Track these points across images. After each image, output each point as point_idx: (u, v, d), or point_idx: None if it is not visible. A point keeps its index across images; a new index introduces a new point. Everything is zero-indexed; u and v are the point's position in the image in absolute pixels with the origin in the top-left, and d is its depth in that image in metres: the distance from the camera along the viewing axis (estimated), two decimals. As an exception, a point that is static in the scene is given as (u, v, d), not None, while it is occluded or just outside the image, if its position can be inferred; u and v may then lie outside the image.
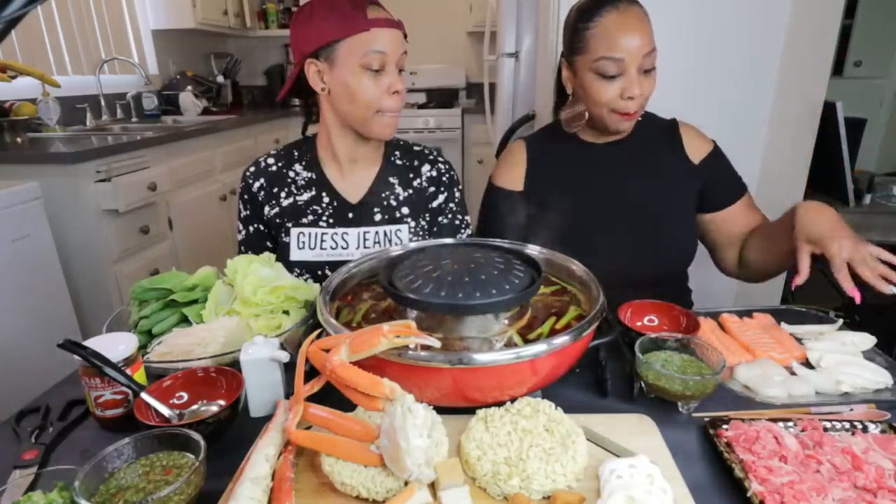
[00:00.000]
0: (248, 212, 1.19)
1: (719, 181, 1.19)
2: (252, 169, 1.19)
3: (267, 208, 1.17)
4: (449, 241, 1.02)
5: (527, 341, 0.75)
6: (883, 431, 0.67)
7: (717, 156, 1.19)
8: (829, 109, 1.62)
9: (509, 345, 0.75)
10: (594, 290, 0.83)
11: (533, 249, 0.96)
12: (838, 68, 2.48)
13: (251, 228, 1.20)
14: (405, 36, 1.08)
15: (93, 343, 0.73)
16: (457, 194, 1.24)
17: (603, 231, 1.14)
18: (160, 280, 0.96)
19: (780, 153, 1.67)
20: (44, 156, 2.02)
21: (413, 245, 1.00)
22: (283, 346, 0.80)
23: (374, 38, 1.02)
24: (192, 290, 0.95)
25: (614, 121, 1.09)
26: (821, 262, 0.87)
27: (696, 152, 1.18)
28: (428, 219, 1.21)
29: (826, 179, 1.76)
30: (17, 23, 0.37)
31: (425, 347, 0.67)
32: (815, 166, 1.68)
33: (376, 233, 1.16)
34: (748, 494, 0.59)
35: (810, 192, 1.73)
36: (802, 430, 0.68)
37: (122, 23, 3.18)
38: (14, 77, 2.13)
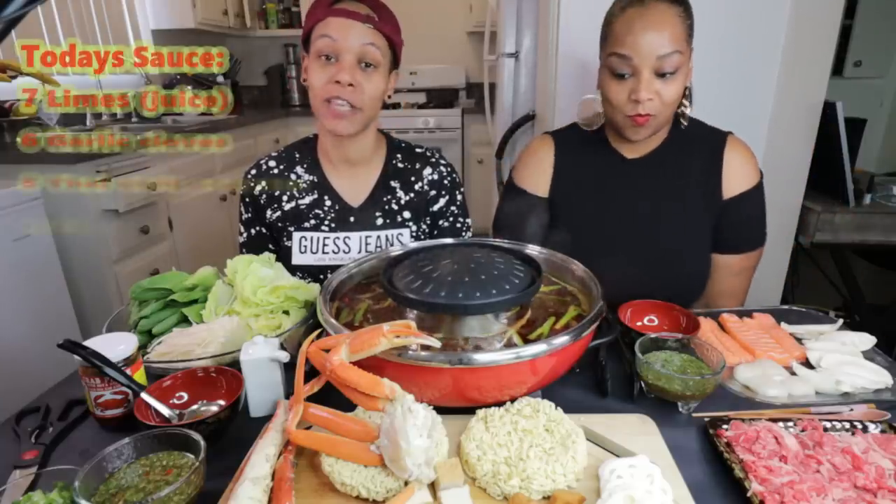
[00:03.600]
0: (249, 215, 1.19)
1: (736, 227, 1.10)
2: (253, 171, 1.18)
3: (269, 212, 1.16)
4: (449, 241, 1.02)
5: (527, 341, 0.75)
6: (883, 431, 0.67)
7: (750, 199, 1.08)
8: (829, 109, 1.62)
9: (509, 345, 0.75)
10: (594, 290, 0.83)
11: (533, 249, 0.96)
12: (838, 68, 2.48)
13: (253, 231, 1.19)
14: (385, 35, 1.05)
15: (93, 343, 0.73)
16: (458, 197, 1.23)
17: (617, 253, 1.09)
18: (160, 280, 0.96)
19: (780, 153, 1.67)
20: (44, 156, 2.02)
21: (413, 245, 1.00)
22: (283, 346, 0.80)
23: (326, 26, 1.02)
24: (192, 290, 0.95)
25: (626, 125, 1.03)
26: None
27: (731, 186, 1.08)
28: (429, 222, 1.21)
29: (826, 179, 1.76)
30: (17, 23, 0.37)
31: (425, 347, 0.67)
32: (815, 166, 1.68)
33: (378, 237, 1.15)
34: (748, 494, 0.58)
35: (810, 191, 1.74)
36: (802, 430, 0.68)
37: (122, 23, 3.18)
38: (14, 77, 2.13)
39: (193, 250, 2.66)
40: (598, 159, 1.14)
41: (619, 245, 1.10)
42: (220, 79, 3.88)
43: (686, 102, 1.08)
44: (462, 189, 1.25)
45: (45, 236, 1.88)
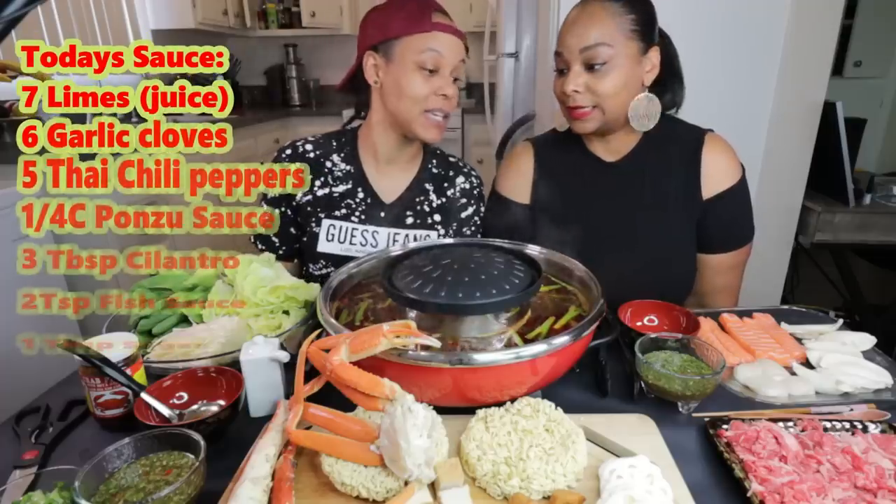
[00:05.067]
0: (275, 194, 1.17)
1: (720, 225, 1.09)
2: (289, 151, 1.18)
3: (300, 194, 1.16)
4: (449, 241, 1.02)
5: (526, 341, 0.75)
6: (883, 431, 0.67)
7: (731, 197, 1.07)
8: (829, 109, 1.62)
9: (509, 345, 0.75)
10: (594, 290, 0.83)
11: (533, 249, 0.96)
12: (838, 68, 2.48)
13: (277, 212, 1.17)
14: (466, 49, 1.11)
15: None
16: (482, 208, 1.26)
17: (603, 254, 1.05)
18: (160, 280, 0.96)
19: (780, 153, 1.67)
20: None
21: (413, 245, 1.01)
22: (283, 346, 0.80)
23: (433, 39, 1.04)
24: (192, 290, 0.95)
25: (570, 120, 1.06)
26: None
27: (711, 186, 1.07)
28: (455, 228, 1.22)
29: (826, 179, 1.76)
30: (17, 23, 0.37)
31: (425, 347, 0.67)
32: (815, 166, 1.68)
33: (406, 235, 1.16)
34: (748, 494, 0.58)
35: (810, 191, 1.74)
36: (802, 430, 0.68)
37: (122, 23, 3.18)
38: (14, 77, 2.13)
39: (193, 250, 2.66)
40: (576, 164, 1.15)
41: (600, 249, 1.08)
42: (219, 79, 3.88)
43: (651, 96, 1.03)
44: (484, 202, 1.27)
45: (45, 236, 1.88)
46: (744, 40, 1.58)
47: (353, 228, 1.15)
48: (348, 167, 1.18)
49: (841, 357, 0.83)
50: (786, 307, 1.06)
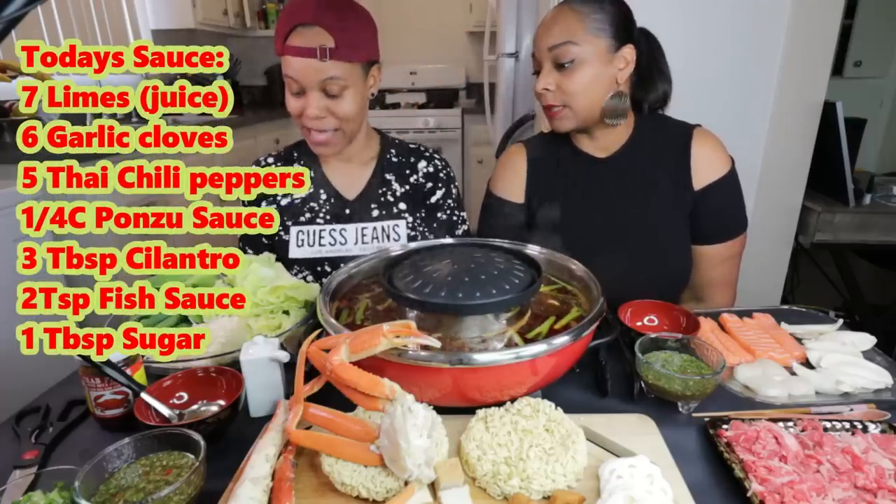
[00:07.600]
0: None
1: (713, 216, 1.11)
2: (253, 167, 1.22)
3: (264, 203, 1.19)
4: (449, 241, 1.02)
5: (526, 341, 0.75)
6: (883, 431, 0.67)
7: (722, 187, 1.10)
8: (829, 109, 1.62)
9: (509, 345, 0.75)
10: (594, 290, 0.83)
11: (533, 249, 0.96)
12: (838, 68, 2.48)
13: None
14: (359, 49, 1.05)
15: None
16: (454, 191, 1.25)
17: (598, 251, 1.08)
18: (160, 280, 0.96)
19: (780, 153, 1.67)
20: (44, 155, 2.01)
21: (413, 245, 1.01)
22: (283, 346, 0.80)
23: (287, 64, 1.04)
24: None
25: (548, 119, 1.09)
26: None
27: (701, 177, 1.10)
28: (424, 214, 1.22)
29: (826, 179, 1.76)
30: (17, 23, 0.37)
31: (425, 347, 0.67)
32: (815, 166, 1.68)
33: (374, 228, 1.17)
34: (748, 494, 0.58)
35: (810, 192, 1.74)
36: (802, 430, 0.68)
37: (122, 23, 3.18)
38: (14, 77, 2.13)
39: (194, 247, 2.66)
40: (567, 162, 1.16)
41: (596, 245, 1.10)
42: (219, 79, 3.88)
43: (620, 96, 1.04)
44: (456, 184, 1.28)
45: (45, 236, 1.88)
46: (744, 40, 1.58)
47: (321, 230, 1.17)
48: (309, 172, 1.20)
49: (841, 357, 0.83)
50: (786, 307, 1.06)
